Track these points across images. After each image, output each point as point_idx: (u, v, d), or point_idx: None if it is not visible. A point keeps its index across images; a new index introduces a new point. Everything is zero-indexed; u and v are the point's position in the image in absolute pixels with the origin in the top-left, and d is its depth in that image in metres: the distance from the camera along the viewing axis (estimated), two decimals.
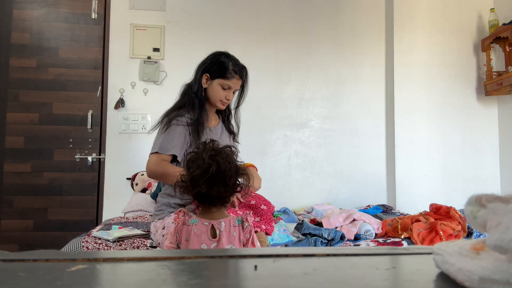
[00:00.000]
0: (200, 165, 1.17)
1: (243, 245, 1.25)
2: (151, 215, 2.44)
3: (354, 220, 2.11)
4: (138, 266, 0.47)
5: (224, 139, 1.81)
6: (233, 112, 1.88)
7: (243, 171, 1.25)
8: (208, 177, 1.15)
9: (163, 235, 1.60)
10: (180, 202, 1.66)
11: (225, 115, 1.88)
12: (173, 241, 1.23)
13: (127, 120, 3.02)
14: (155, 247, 1.74)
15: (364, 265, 0.48)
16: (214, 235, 1.21)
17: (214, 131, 1.79)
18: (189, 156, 1.24)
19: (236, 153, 1.28)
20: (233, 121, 1.91)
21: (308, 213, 2.66)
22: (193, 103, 1.73)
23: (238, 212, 1.58)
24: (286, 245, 1.88)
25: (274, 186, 3.09)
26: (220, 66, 1.72)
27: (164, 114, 1.76)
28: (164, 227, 1.62)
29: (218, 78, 1.72)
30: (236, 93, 1.82)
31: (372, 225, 2.02)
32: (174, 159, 1.67)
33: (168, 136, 1.64)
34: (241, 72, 1.74)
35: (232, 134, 1.88)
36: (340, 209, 2.86)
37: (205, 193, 1.17)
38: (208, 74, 1.73)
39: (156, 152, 1.63)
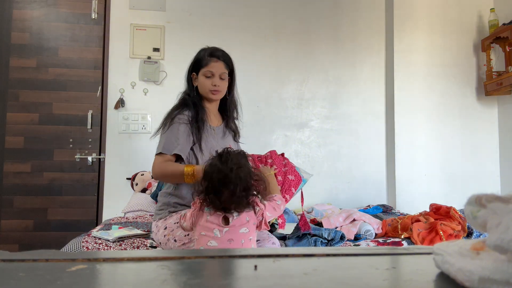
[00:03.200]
0: (215, 177, 1.22)
1: (256, 227, 1.30)
2: (151, 215, 2.44)
3: (354, 220, 2.11)
4: (138, 266, 0.47)
5: (226, 139, 1.81)
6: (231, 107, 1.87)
7: (257, 176, 1.29)
8: (223, 188, 1.21)
9: (164, 235, 1.60)
10: (182, 202, 1.67)
11: (227, 115, 1.88)
12: (189, 224, 1.30)
13: (127, 120, 3.02)
14: (155, 247, 1.74)
15: (364, 265, 0.49)
16: (226, 222, 1.26)
17: (217, 130, 1.79)
18: (205, 167, 1.28)
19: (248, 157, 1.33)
20: (238, 123, 1.91)
21: (308, 213, 2.66)
22: (190, 103, 1.74)
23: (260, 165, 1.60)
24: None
25: None
26: (197, 58, 1.75)
27: (166, 116, 1.76)
28: (166, 227, 1.62)
29: (200, 69, 1.73)
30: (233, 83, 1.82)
31: (372, 225, 2.02)
32: (180, 157, 1.67)
33: (172, 135, 1.65)
34: (215, 53, 1.73)
35: (234, 133, 1.87)
36: (340, 209, 2.86)
37: (220, 203, 1.24)
38: (194, 73, 1.76)
39: (160, 153, 1.63)
